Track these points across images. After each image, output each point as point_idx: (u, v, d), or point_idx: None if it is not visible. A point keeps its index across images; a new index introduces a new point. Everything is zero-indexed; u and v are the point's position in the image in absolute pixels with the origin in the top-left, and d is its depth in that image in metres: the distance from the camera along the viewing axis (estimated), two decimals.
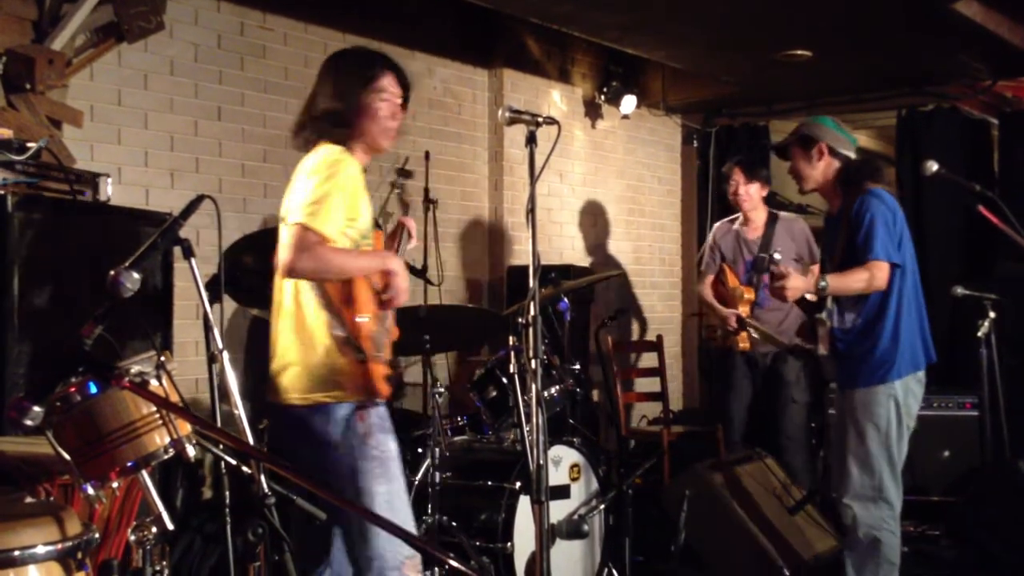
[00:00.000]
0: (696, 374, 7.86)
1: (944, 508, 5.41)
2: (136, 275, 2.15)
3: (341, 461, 2.75)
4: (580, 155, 6.95)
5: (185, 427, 2.22)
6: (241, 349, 4.85)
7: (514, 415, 3.91)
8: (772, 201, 5.57)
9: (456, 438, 4.46)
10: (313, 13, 5.40)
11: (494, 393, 4.24)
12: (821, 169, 3.90)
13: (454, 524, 3.87)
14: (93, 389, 2.13)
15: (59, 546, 2.02)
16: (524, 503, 3.88)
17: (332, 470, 2.74)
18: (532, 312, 3.07)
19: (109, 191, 3.74)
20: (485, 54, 6.45)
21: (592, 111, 7.04)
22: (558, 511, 4.05)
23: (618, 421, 5.79)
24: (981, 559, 4.68)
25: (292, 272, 2.69)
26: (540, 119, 3.13)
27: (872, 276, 3.69)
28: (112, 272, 2.15)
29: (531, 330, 3.08)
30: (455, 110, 6.30)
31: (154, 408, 2.17)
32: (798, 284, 3.79)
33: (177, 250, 2.35)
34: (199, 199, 2.39)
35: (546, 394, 4.14)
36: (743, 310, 5.29)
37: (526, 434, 3.30)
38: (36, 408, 1.99)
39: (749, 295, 5.31)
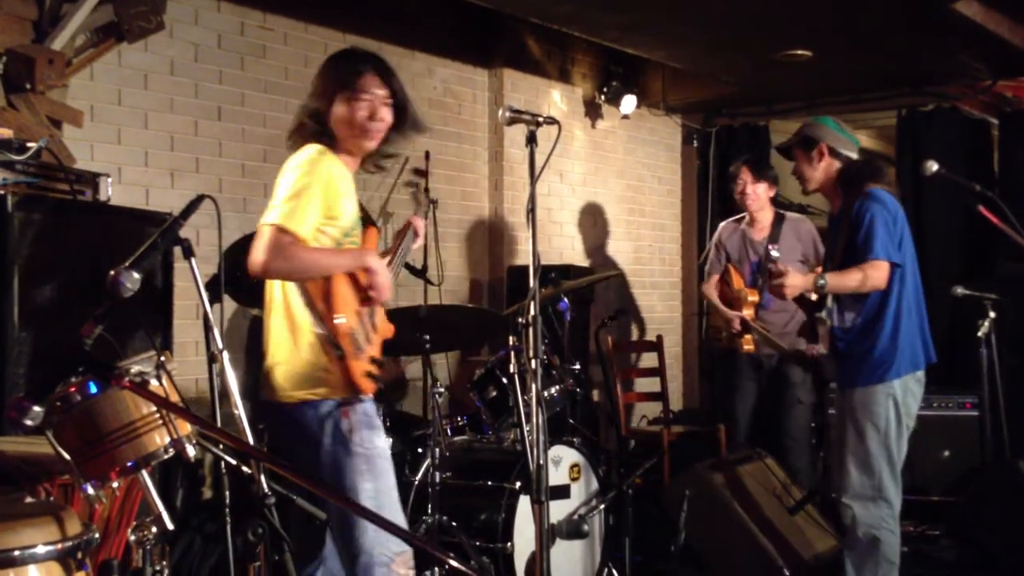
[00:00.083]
0: (696, 374, 7.86)
1: (944, 508, 5.41)
2: (136, 275, 2.15)
3: (327, 457, 2.77)
4: (580, 155, 6.95)
5: (185, 427, 2.22)
6: (241, 349, 4.85)
7: (514, 415, 3.91)
8: (773, 201, 5.56)
9: (456, 438, 4.46)
10: (313, 13, 5.40)
11: (494, 393, 4.24)
12: (822, 170, 3.91)
13: (454, 524, 3.87)
14: (93, 389, 2.13)
15: (59, 546, 2.02)
16: (524, 503, 3.88)
17: (319, 466, 2.76)
18: (532, 312, 3.07)
19: (109, 191, 3.73)
20: (485, 54, 6.45)
21: (592, 111, 7.04)
22: (558, 511, 4.05)
23: (618, 421, 5.79)
24: (981, 559, 4.67)
25: (266, 273, 2.70)
26: (540, 119, 3.13)
27: (872, 275, 3.70)
28: (112, 272, 2.15)
29: (531, 330, 3.08)
30: (455, 110, 6.30)
31: (154, 408, 2.17)
32: (797, 282, 3.80)
33: (177, 250, 2.35)
34: (199, 199, 2.39)
35: (546, 394, 4.14)
36: (747, 313, 5.27)
37: (526, 434, 3.31)
38: (36, 408, 1.99)
39: (753, 297, 5.28)
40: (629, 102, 6.91)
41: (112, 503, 2.62)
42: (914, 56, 6.13)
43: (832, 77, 6.56)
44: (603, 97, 6.94)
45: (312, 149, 2.85)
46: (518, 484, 3.93)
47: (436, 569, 3.78)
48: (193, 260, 2.33)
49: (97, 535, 2.16)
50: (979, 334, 4.76)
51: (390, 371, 5.04)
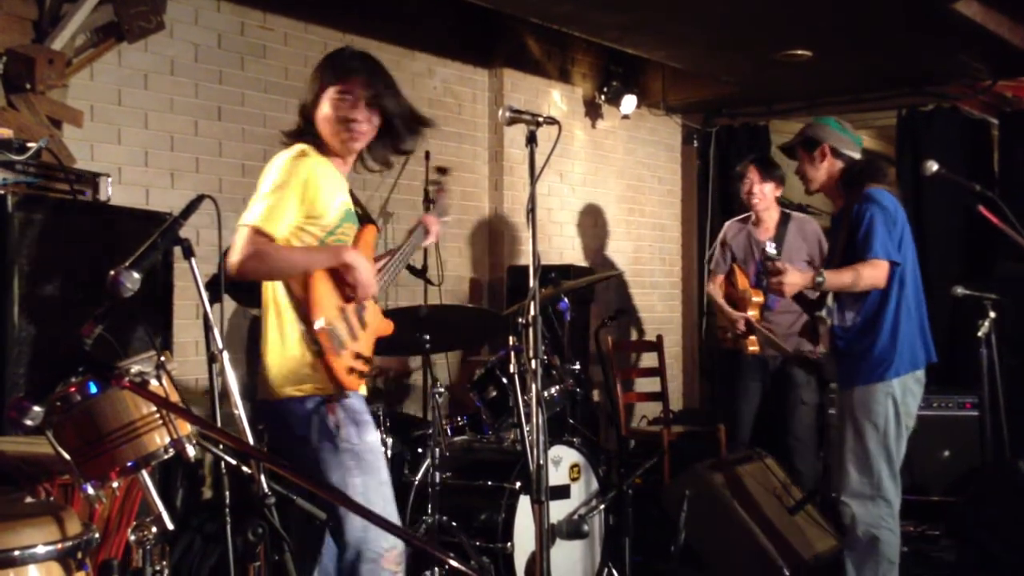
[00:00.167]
0: (696, 374, 7.86)
1: (944, 508, 5.41)
2: (136, 275, 2.15)
3: (314, 454, 2.79)
4: (580, 155, 6.95)
5: (185, 427, 2.22)
6: (241, 349, 4.85)
7: (514, 415, 3.91)
8: (778, 200, 5.54)
9: (456, 438, 4.46)
10: (313, 13, 5.40)
11: (494, 393, 4.24)
12: (824, 170, 3.92)
13: (454, 524, 3.87)
14: (93, 389, 2.13)
15: (59, 546, 2.02)
16: (524, 503, 3.88)
17: (307, 463, 2.77)
18: (532, 312, 3.07)
19: (109, 191, 3.74)
20: (485, 54, 6.45)
21: (592, 111, 7.04)
22: (558, 511, 4.05)
23: (618, 421, 5.78)
24: (981, 559, 4.67)
25: (242, 273, 2.72)
26: (540, 119, 3.13)
27: (870, 273, 3.71)
28: (112, 272, 2.15)
29: (531, 330, 3.08)
30: (455, 110, 6.30)
31: (154, 408, 2.17)
32: (795, 279, 3.81)
33: (177, 250, 2.35)
34: (199, 199, 2.39)
35: (546, 394, 4.14)
36: (752, 314, 5.24)
37: (526, 434, 3.31)
38: (36, 408, 1.99)
39: (758, 298, 5.25)
40: (629, 102, 6.91)
41: (112, 503, 2.62)
42: (914, 56, 6.13)
43: (832, 77, 6.56)
44: (603, 97, 6.94)
45: (293, 150, 2.89)
46: (518, 484, 3.93)
47: (436, 569, 3.78)
48: (193, 260, 2.33)
49: (97, 535, 2.16)
50: (979, 334, 4.76)
51: (390, 366, 5.02)
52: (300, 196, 2.80)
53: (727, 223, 5.69)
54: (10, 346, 3.28)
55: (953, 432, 5.67)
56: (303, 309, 2.80)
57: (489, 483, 4.05)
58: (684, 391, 7.88)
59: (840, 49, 6.01)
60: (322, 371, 2.78)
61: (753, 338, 5.22)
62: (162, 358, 2.25)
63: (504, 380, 4.17)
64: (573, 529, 4.01)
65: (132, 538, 2.21)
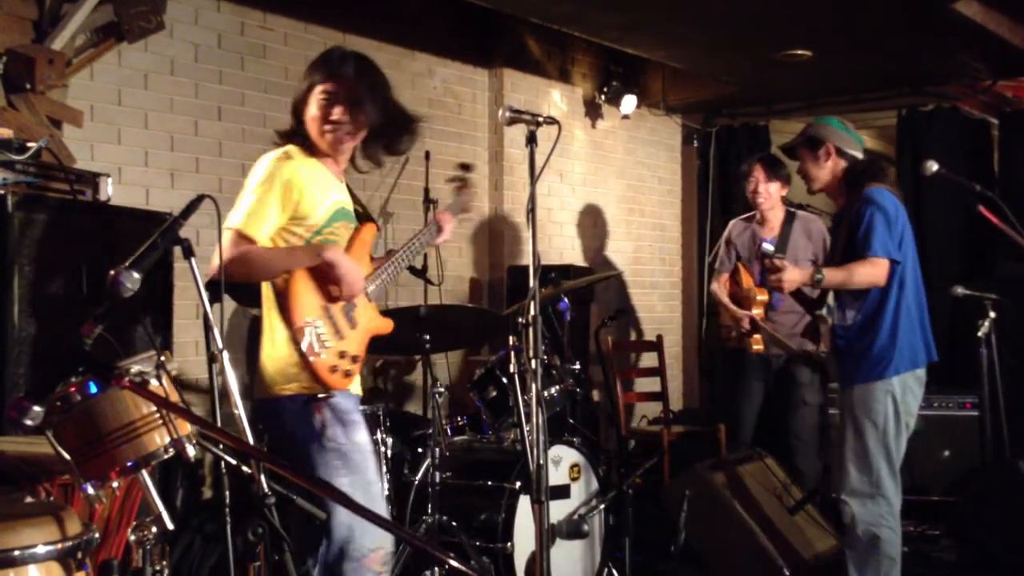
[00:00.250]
0: (696, 374, 7.86)
1: (944, 508, 5.41)
2: (136, 275, 2.15)
3: (301, 453, 2.80)
4: (580, 155, 6.95)
5: (185, 427, 2.21)
6: (241, 349, 4.85)
7: (514, 415, 3.91)
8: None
9: (456, 438, 4.46)
10: (313, 13, 5.40)
11: (494, 393, 4.24)
12: (828, 169, 3.93)
13: (454, 524, 3.88)
14: (93, 389, 2.13)
15: (59, 546, 2.02)
16: (524, 503, 3.88)
17: (296, 460, 2.79)
18: (532, 312, 3.07)
19: (109, 191, 3.74)
20: (485, 54, 6.45)
21: (592, 111, 7.04)
22: (558, 511, 4.05)
23: (618, 421, 5.78)
24: (981, 559, 4.67)
25: (227, 277, 2.73)
26: (540, 119, 3.13)
27: (870, 272, 3.71)
28: (112, 272, 2.15)
29: (531, 330, 3.08)
30: (455, 110, 6.30)
31: (154, 408, 2.16)
32: (794, 276, 3.83)
33: (177, 250, 2.35)
34: (199, 199, 2.39)
35: (546, 394, 4.14)
36: (757, 312, 5.23)
37: (526, 434, 3.31)
38: (36, 408, 1.99)
39: (763, 296, 5.22)
40: (629, 102, 6.91)
41: (112, 503, 2.62)
42: (914, 56, 6.13)
43: (832, 77, 6.56)
44: (603, 97, 6.94)
45: (277, 152, 2.93)
46: (518, 484, 3.93)
47: (436, 569, 3.78)
48: (193, 260, 2.33)
49: (97, 535, 2.15)
50: (979, 334, 4.76)
51: None
52: (281, 198, 2.83)
53: (731, 222, 5.66)
54: (10, 346, 3.28)
55: (953, 432, 5.67)
56: (284, 309, 2.82)
57: (489, 483, 4.05)
58: (684, 391, 7.88)
59: (840, 49, 6.01)
60: (304, 370, 2.80)
61: (758, 336, 5.20)
62: (162, 358, 2.25)
63: (504, 380, 4.17)
64: (573, 529, 4.01)
65: (132, 538, 2.21)
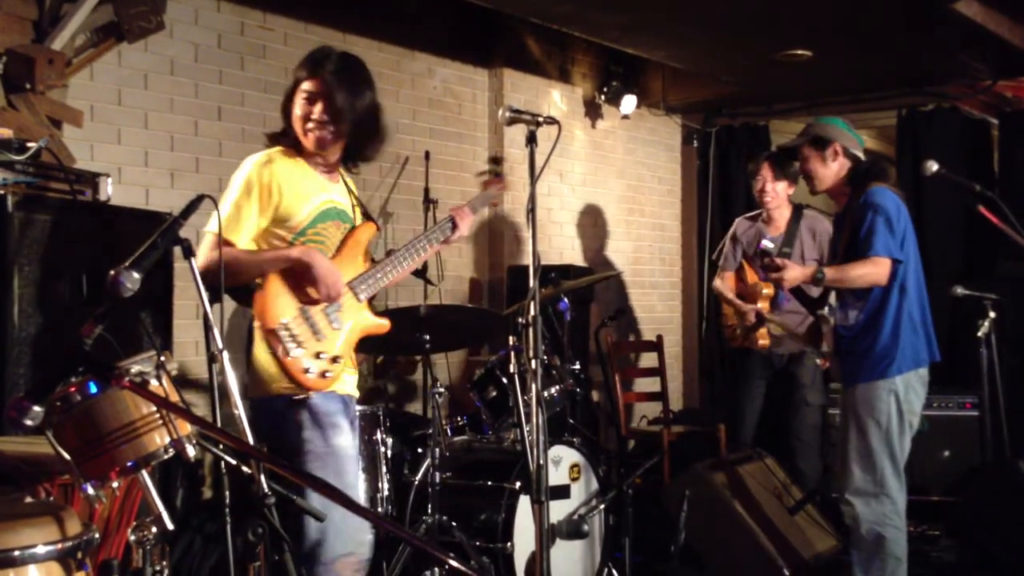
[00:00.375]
0: (696, 374, 7.86)
1: (944, 508, 5.41)
2: (136, 275, 2.15)
3: (284, 453, 2.81)
4: (580, 155, 6.95)
5: (185, 427, 2.21)
6: (241, 349, 4.80)
7: (514, 415, 3.91)
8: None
9: (456, 438, 4.46)
10: (313, 13, 5.40)
11: (494, 393, 4.24)
12: (835, 170, 3.93)
13: (454, 524, 3.87)
14: (93, 389, 2.12)
15: (59, 546, 2.02)
16: (524, 503, 3.88)
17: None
18: (532, 312, 3.07)
19: (109, 191, 3.73)
20: (485, 54, 6.45)
21: (592, 111, 7.04)
22: (558, 511, 4.05)
23: (618, 421, 5.79)
24: (981, 559, 4.67)
25: (203, 277, 2.73)
26: (540, 119, 3.13)
27: (872, 271, 3.72)
28: (112, 272, 2.15)
29: (531, 330, 3.08)
30: (455, 110, 6.30)
31: (154, 408, 2.16)
32: (795, 274, 3.83)
33: (177, 250, 2.35)
34: (199, 199, 2.39)
35: (546, 394, 4.14)
36: (763, 305, 5.22)
37: (526, 434, 3.30)
38: (36, 408, 1.99)
39: (768, 290, 5.21)
40: (629, 102, 6.91)
41: (112, 503, 2.62)
42: (914, 56, 6.13)
43: (832, 77, 6.56)
44: (603, 97, 6.94)
45: (259, 154, 2.95)
46: (518, 484, 3.93)
47: (436, 569, 3.78)
48: (193, 260, 2.34)
49: (97, 535, 2.15)
50: (979, 334, 4.76)
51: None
52: (259, 202, 2.86)
53: (737, 219, 5.65)
54: (10, 346, 3.28)
55: (953, 432, 5.67)
56: (258, 310, 2.84)
57: (489, 483, 4.05)
58: (684, 391, 7.88)
59: (840, 49, 6.01)
60: (281, 372, 2.81)
61: (764, 331, 5.18)
62: (162, 358, 2.25)
63: (504, 380, 4.17)
64: (573, 529, 4.01)
65: (132, 538, 2.20)
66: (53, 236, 3.41)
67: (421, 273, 5.33)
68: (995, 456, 4.97)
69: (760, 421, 5.43)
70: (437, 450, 3.87)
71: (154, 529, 2.18)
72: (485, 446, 4.39)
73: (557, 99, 6.76)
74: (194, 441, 2.23)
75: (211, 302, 2.34)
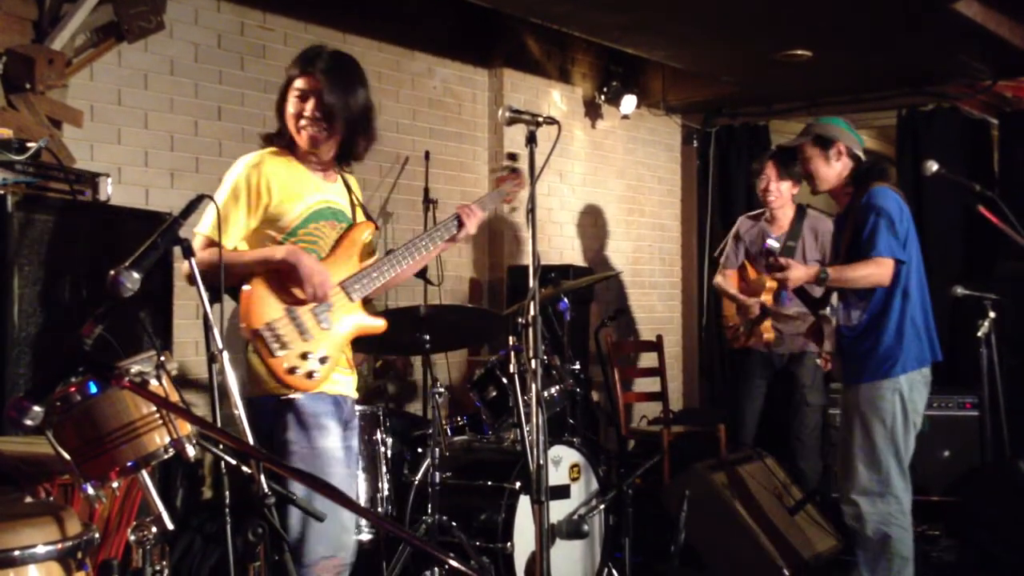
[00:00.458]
0: (696, 374, 7.86)
1: (944, 508, 5.41)
2: (136, 275, 2.15)
3: (275, 453, 2.80)
4: (580, 155, 6.95)
5: (185, 427, 2.21)
6: (241, 349, 4.81)
7: (514, 415, 3.91)
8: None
9: (456, 438, 4.46)
10: (313, 13, 5.40)
11: (494, 393, 4.24)
12: (838, 170, 3.93)
13: (454, 524, 3.87)
14: (93, 389, 2.12)
15: (59, 546, 2.02)
16: (524, 503, 3.88)
17: None
18: (532, 312, 3.06)
19: (109, 191, 3.74)
20: (485, 54, 6.45)
21: (592, 111, 7.04)
22: (558, 511, 4.05)
23: (618, 421, 5.79)
24: (981, 559, 4.67)
25: (192, 278, 2.73)
26: (540, 119, 3.13)
27: (875, 271, 3.72)
28: (112, 272, 2.15)
29: (531, 330, 3.08)
30: (455, 110, 6.30)
31: (154, 408, 2.16)
32: (798, 274, 3.83)
33: (177, 250, 2.35)
34: (199, 199, 2.39)
35: (546, 394, 4.14)
36: (766, 298, 5.21)
37: (526, 434, 3.30)
38: (36, 408, 1.99)
39: (772, 284, 5.19)
40: (629, 102, 6.91)
41: (112, 503, 2.62)
42: (914, 56, 6.13)
43: (832, 77, 6.56)
44: (603, 97, 6.94)
45: (249, 156, 2.95)
46: (518, 484, 3.93)
47: (436, 569, 3.78)
48: (193, 260, 2.34)
49: (97, 535, 2.15)
50: (979, 334, 4.76)
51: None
52: (247, 204, 2.86)
53: (740, 218, 5.65)
54: (10, 346, 3.28)
55: (953, 432, 5.67)
56: (244, 311, 2.83)
57: (489, 483, 4.05)
58: (684, 391, 7.88)
59: (840, 49, 6.01)
60: (266, 372, 2.80)
61: (768, 324, 5.16)
62: (162, 358, 2.25)
63: (504, 380, 4.17)
64: (573, 529, 4.01)
65: (132, 538, 2.20)
66: (53, 236, 3.41)
67: (421, 273, 5.33)
68: (995, 456, 4.97)
69: (760, 421, 5.43)
70: (437, 450, 3.87)
71: (154, 529, 2.18)
72: (485, 446, 4.39)
73: (557, 99, 6.76)
74: (194, 441, 2.24)
75: (211, 302, 2.34)
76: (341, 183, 3.10)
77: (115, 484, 2.21)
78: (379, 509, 4.04)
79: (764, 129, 7.56)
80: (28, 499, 2.37)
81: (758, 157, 5.57)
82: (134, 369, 2.16)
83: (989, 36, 5.48)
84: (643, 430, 6.60)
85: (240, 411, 2.27)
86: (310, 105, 2.91)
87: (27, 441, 2.65)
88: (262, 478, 2.22)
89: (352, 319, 2.97)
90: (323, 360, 2.85)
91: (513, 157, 3.67)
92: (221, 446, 2.25)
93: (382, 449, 4.08)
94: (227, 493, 2.27)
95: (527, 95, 6.54)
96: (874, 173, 3.90)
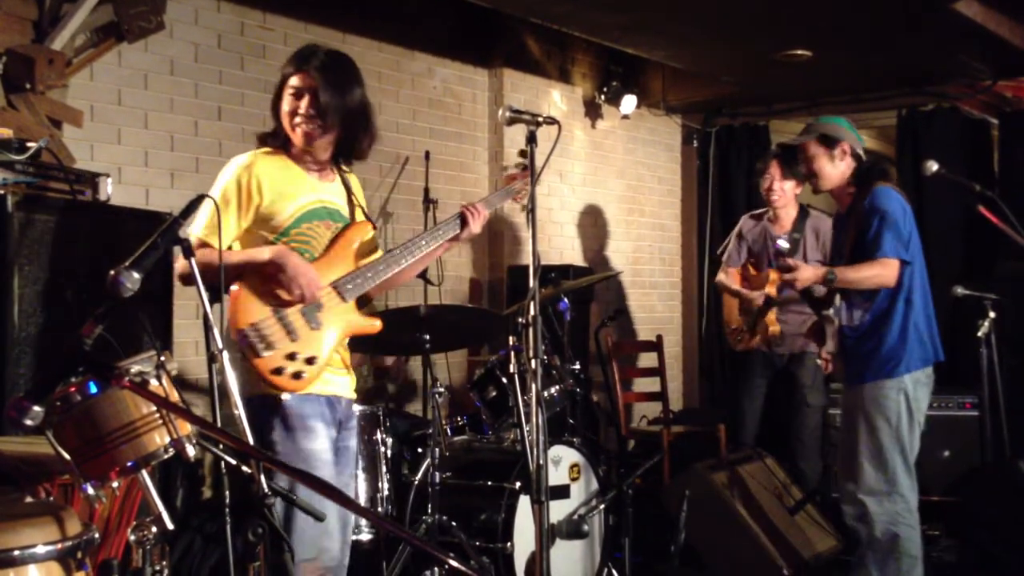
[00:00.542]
0: (696, 374, 7.86)
1: (944, 508, 5.41)
2: (136, 275, 2.15)
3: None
4: (580, 155, 6.95)
5: (185, 427, 2.21)
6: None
7: (514, 415, 3.91)
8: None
9: (456, 438, 4.46)
10: (313, 13, 5.40)
11: (494, 393, 4.24)
12: (841, 169, 3.93)
13: (454, 524, 3.87)
14: (93, 389, 2.12)
15: (59, 546, 2.02)
16: (524, 503, 3.88)
17: None
18: (532, 312, 3.06)
19: (109, 191, 3.73)
20: (485, 54, 6.45)
21: (592, 111, 7.04)
22: (558, 511, 4.05)
23: (618, 421, 5.78)
24: (981, 559, 4.67)
25: (186, 284, 2.72)
26: (540, 119, 3.13)
27: (881, 272, 3.72)
28: (112, 272, 2.14)
29: (531, 330, 3.08)
30: (455, 110, 6.30)
31: (154, 408, 2.16)
32: (808, 275, 3.83)
33: (177, 250, 2.35)
34: (199, 199, 2.39)
35: (546, 394, 4.14)
36: (771, 290, 5.20)
37: (526, 434, 3.30)
38: (36, 408, 1.99)
39: (775, 276, 5.17)
40: (629, 102, 6.91)
41: (112, 503, 2.62)
42: (914, 56, 6.13)
43: (832, 77, 6.56)
44: (603, 97, 6.94)
45: (241, 157, 2.95)
46: (518, 484, 3.93)
47: (436, 569, 3.78)
48: (193, 260, 2.34)
49: (97, 535, 2.15)
50: (979, 334, 4.76)
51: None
52: (238, 204, 2.86)
53: (743, 217, 5.64)
54: (10, 346, 3.28)
55: (953, 432, 5.67)
56: (231, 311, 2.81)
57: (489, 483, 4.05)
58: (684, 391, 7.88)
59: (840, 49, 6.01)
60: (253, 373, 2.77)
61: (772, 316, 5.14)
62: (162, 358, 2.25)
63: (504, 380, 4.17)
64: (573, 529, 4.01)
65: (132, 538, 2.20)
66: (53, 236, 3.41)
67: (421, 274, 5.33)
68: (995, 456, 4.97)
69: (760, 421, 5.43)
70: (437, 450, 3.87)
71: (154, 529, 2.18)
72: (485, 446, 4.39)
73: (557, 99, 6.76)
74: (194, 441, 2.23)
75: (211, 302, 2.34)
76: (339, 183, 3.07)
77: (115, 484, 2.21)
78: (379, 509, 4.04)
79: (764, 129, 7.56)
80: (28, 499, 2.37)
81: (759, 157, 5.57)
82: (134, 369, 2.16)
83: (989, 36, 5.48)
84: (643, 430, 6.60)
85: (240, 411, 2.27)
86: (305, 103, 2.90)
87: (27, 441, 2.65)
88: (262, 478, 2.22)
89: (344, 319, 2.93)
90: (311, 361, 2.81)
91: (524, 155, 3.65)
92: (221, 446, 2.25)
93: (382, 449, 4.08)
94: (227, 493, 2.26)
95: (527, 95, 6.54)
96: (876, 173, 3.91)
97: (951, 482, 5.55)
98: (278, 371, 2.77)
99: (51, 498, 2.49)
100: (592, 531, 4.19)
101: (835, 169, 3.93)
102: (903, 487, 3.73)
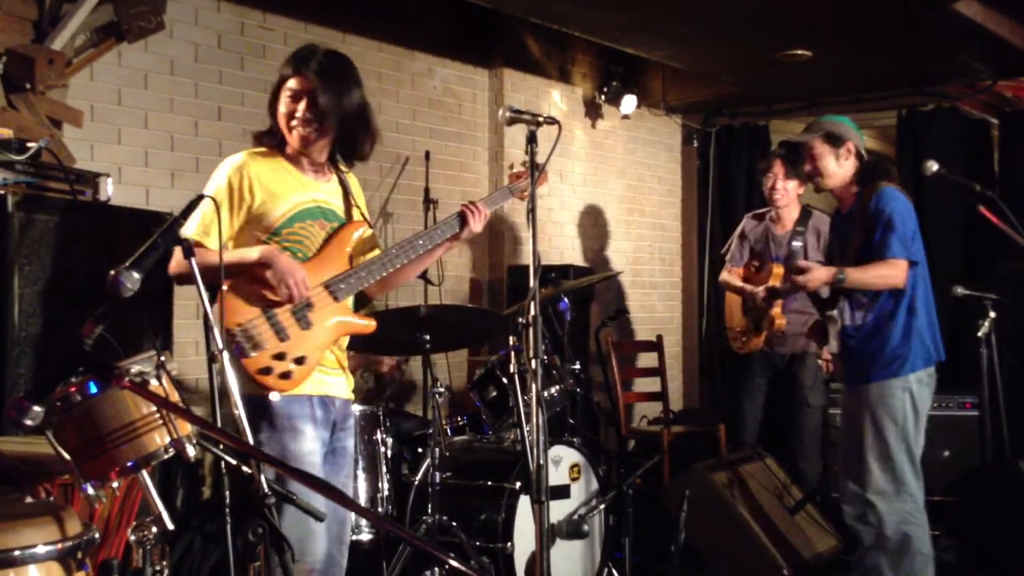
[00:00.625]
0: (696, 374, 7.86)
1: (944, 508, 5.41)
2: (136, 275, 2.15)
3: None
4: (580, 155, 6.95)
5: (185, 427, 2.21)
6: None
7: (514, 415, 3.91)
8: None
9: (456, 438, 4.46)
10: (313, 13, 5.40)
11: (494, 393, 4.24)
12: (846, 168, 3.92)
13: (454, 524, 3.87)
14: (93, 389, 2.12)
15: (59, 546, 2.02)
16: (524, 503, 3.88)
17: None
18: (532, 312, 3.06)
19: (109, 191, 3.74)
20: (485, 54, 6.45)
21: (592, 111, 7.04)
22: (558, 511, 4.05)
23: (618, 421, 5.78)
24: (981, 559, 4.67)
25: (180, 283, 2.72)
26: (540, 119, 3.13)
27: (890, 273, 3.73)
28: (112, 272, 2.14)
29: (531, 330, 3.08)
30: (455, 110, 6.30)
31: (154, 408, 2.16)
32: (820, 275, 3.83)
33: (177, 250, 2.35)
34: (199, 199, 2.39)
35: (546, 394, 4.14)
36: (774, 283, 5.18)
37: (526, 434, 3.30)
38: (36, 408, 1.99)
39: (779, 270, 5.15)
40: (629, 102, 6.91)
41: (112, 503, 2.62)
42: (914, 56, 6.13)
43: (832, 77, 6.56)
44: (603, 97, 6.94)
45: (234, 158, 2.93)
46: (518, 484, 3.93)
47: (436, 569, 3.78)
48: (193, 260, 2.33)
49: (97, 535, 2.15)
50: (979, 334, 4.76)
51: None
52: (230, 204, 2.85)
53: (745, 217, 5.64)
54: (10, 346, 3.28)
55: (953, 432, 5.67)
56: (221, 312, 2.77)
57: (489, 483, 4.05)
58: (684, 391, 7.88)
59: (840, 49, 6.01)
60: (245, 372, 2.75)
61: (778, 310, 5.12)
62: (162, 358, 2.25)
63: (504, 380, 4.17)
64: (573, 529, 4.01)
65: (132, 538, 2.20)
66: (53, 236, 3.42)
67: (422, 274, 5.33)
68: (995, 456, 4.97)
69: (761, 421, 5.42)
70: (437, 450, 3.87)
71: (154, 529, 2.18)
72: (485, 446, 4.39)
73: (557, 99, 6.76)
74: (194, 441, 2.23)
75: (211, 302, 2.34)
76: (336, 182, 3.06)
77: (115, 484, 2.21)
78: (379, 509, 4.04)
79: (764, 129, 7.56)
80: (28, 499, 2.37)
81: (759, 157, 5.57)
82: (134, 369, 2.16)
83: (989, 36, 5.48)
84: (643, 430, 6.60)
85: (240, 411, 2.27)
86: (302, 106, 2.89)
87: (27, 441, 2.65)
88: (262, 478, 2.22)
89: (336, 319, 2.91)
90: (300, 361, 2.80)
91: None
92: (221, 446, 2.25)
93: (382, 449, 4.08)
94: (227, 493, 2.26)
95: (527, 95, 6.54)
96: (879, 172, 3.90)
97: (951, 482, 5.55)
98: (266, 371, 2.76)
99: (51, 498, 2.49)
100: (592, 531, 4.19)
101: (840, 168, 3.92)
102: (911, 486, 3.73)
